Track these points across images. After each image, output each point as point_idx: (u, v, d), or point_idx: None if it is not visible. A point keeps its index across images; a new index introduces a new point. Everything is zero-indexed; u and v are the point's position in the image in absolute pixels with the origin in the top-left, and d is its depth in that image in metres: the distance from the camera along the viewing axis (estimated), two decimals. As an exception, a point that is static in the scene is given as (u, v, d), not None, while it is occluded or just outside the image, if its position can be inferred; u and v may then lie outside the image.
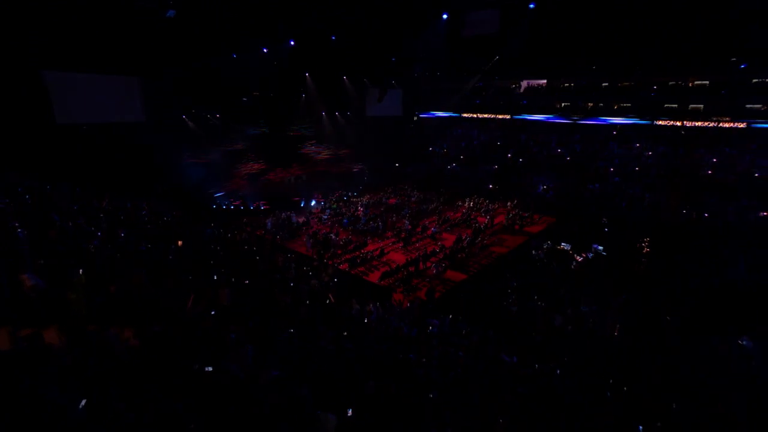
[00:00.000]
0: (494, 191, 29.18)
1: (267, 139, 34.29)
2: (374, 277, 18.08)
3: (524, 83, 35.55)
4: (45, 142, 24.30)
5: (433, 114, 39.36)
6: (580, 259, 19.36)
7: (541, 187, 28.15)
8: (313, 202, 29.42)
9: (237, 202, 29.60)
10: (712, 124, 27.04)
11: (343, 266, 19.03)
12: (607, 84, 31.27)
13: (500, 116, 34.98)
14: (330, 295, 14.35)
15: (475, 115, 37.03)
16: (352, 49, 30.29)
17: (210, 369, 6.16)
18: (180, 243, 17.29)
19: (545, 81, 34.38)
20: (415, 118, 38.69)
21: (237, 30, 27.29)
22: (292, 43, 28.89)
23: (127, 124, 28.34)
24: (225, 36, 27.93)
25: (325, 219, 25.82)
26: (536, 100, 34.53)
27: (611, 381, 10.21)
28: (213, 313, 9.31)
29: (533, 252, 20.64)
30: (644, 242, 20.76)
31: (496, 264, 19.82)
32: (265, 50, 29.41)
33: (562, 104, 33.67)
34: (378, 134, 35.51)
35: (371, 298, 14.63)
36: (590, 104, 32.32)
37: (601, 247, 19.76)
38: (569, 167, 28.83)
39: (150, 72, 28.60)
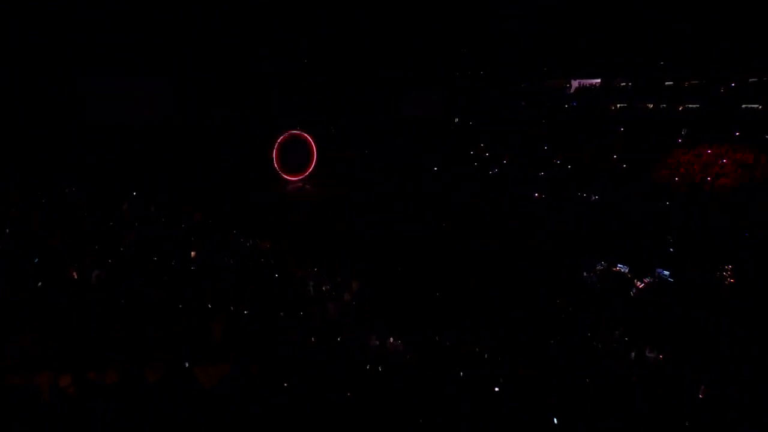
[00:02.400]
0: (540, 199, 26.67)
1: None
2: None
3: (575, 83, 32.60)
4: (75, 142, 23.95)
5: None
6: (641, 285, 16.70)
7: (594, 198, 25.35)
8: None
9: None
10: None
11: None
12: (671, 83, 27.95)
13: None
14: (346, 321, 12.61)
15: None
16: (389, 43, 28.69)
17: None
18: (194, 254, 16.12)
19: (599, 80, 31.33)
20: (456, 120, 36.48)
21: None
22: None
23: (156, 125, 27.77)
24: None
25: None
26: (587, 102, 31.55)
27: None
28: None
29: (584, 274, 18.12)
30: (726, 270, 17.50)
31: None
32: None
33: (618, 106, 30.56)
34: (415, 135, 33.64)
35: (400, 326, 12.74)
36: (650, 105, 29.11)
37: (667, 272, 16.97)
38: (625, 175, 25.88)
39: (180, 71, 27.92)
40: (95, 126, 23.80)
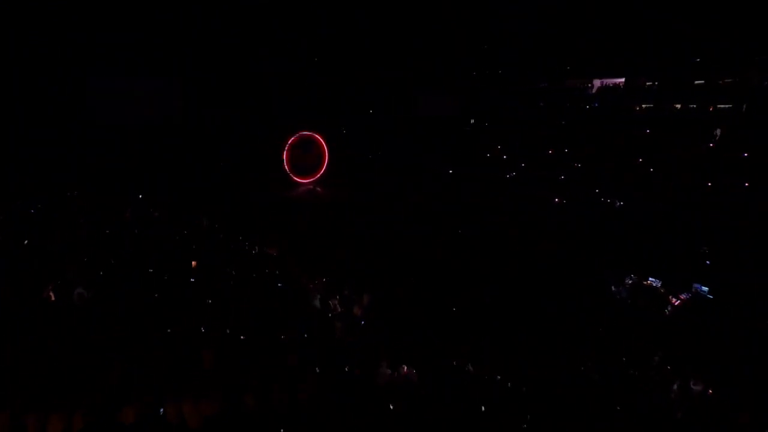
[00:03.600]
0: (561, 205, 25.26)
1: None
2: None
3: (597, 82, 31.07)
4: (76, 142, 23.29)
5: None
6: (676, 302, 15.29)
7: (618, 204, 23.86)
8: None
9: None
10: None
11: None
12: (702, 81, 26.28)
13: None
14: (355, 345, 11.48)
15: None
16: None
17: None
18: (194, 264, 15.19)
19: (623, 79, 29.75)
20: (472, 121, 35.18)
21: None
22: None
23: (163, 126, 27.04)
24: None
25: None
26: (610, 102, 30.01)
27: None
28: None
29: (612, 288, 16.77)
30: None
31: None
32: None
33: (643, 106, 28.96)
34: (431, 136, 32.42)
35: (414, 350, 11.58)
36: (678, 106, 27.49)
37: (705, 288, 15.51)
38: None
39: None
40: (97, 126, 23.10)
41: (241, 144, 29.99)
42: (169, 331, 9.16)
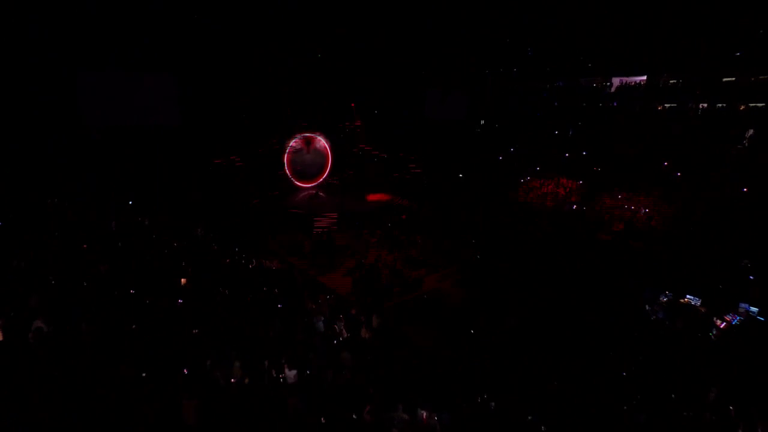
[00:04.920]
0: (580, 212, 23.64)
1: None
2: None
3: (616, 81, 29.44)
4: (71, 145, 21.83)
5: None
6: (722, 324, 13.65)
7: (644, 211, 22.20)
8: None
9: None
10: None
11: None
12: (733, 79, 24.57)
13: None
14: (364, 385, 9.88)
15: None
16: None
17: None
18: (184, 281, 13.67)
19: (645, 78, 28.11)
20: (482, 122, 33.51)
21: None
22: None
23: (160, 127, 25.56)
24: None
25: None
26: (630, 102, 28.35)
27: None
28: None
29: (647, 307, 15.12)
30: None
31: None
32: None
33: (666, 106, 27.30)
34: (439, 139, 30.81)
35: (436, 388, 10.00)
36: (703, 105, 25.83)
37: (755, 309, 13.87)
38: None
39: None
40: (84, 126, 21.60)
41: (240, 146, 28.48)
42: (144, 376, 7.62)
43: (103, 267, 11.29)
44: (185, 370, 8.35)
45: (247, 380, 8.73)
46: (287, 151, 29.71)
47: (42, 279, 9.47)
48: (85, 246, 12.54)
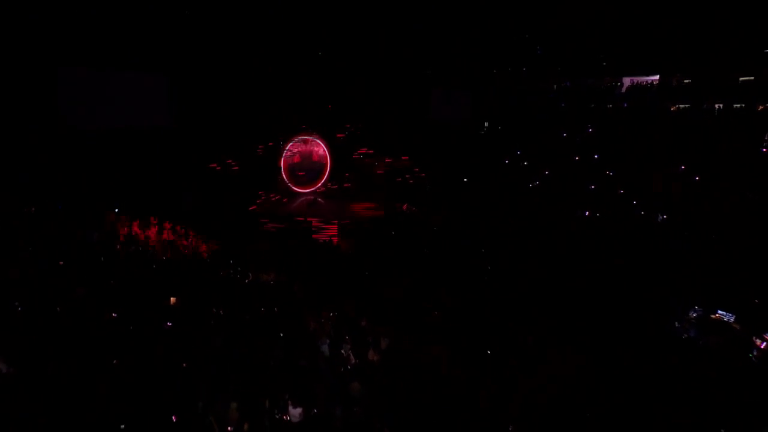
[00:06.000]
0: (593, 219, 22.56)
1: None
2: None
3: (627, 81, 28.43)
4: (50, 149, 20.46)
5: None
6: (762, 344, 12.57)
7: (662, 217, 21.17)
8: None
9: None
10: None
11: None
12: (751, 78, 23.58)
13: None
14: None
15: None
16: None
17: None
18: (173, 300, 12.45)
19: (657, 77, 27.10)
20: (486, 124, 32.41)
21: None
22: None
23: (150, 129, 24.32)
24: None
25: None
26: (640, 102, 27.37)
27: None
28: None
29: (676, 324, 14.03)
30: None
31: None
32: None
33: (678, 106, 26.33)
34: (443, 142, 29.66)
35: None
36: (718, 106, 24.85)
37: (799, 328, 12.81)
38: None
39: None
40: (66, 128, 20.31)
41: (234, 150, 27.17)
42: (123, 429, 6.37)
43: (80, 289, 10.01)
44: (173, 417, 7.11)
45: (246, 426, 7.53)
46: (284, 155, 28.49)
47: (5, 306, 8.19)
48: (61, 263, 11.23)
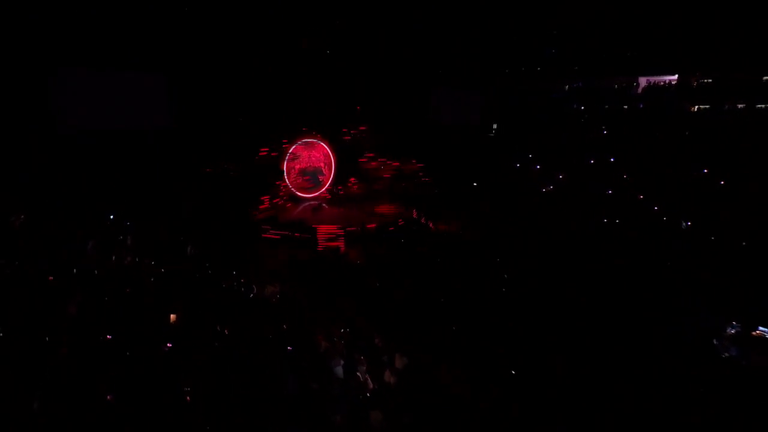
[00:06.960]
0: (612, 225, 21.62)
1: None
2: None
3: (643, 81, 27.55)
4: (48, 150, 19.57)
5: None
6: (813, 364, 11.60)
7: (686, 225, 20.24)
8: None
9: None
10: None
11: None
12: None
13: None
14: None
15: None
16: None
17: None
18: (173, 318, 11.46)
19: (675, 77, 26.22)
20: (495, 126, 31.51)
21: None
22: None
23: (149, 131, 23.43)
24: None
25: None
26: (658, 103, 26.50)
27: None
28: None
29: (714, 341, 13.06)
30: None
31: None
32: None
33: (697, 107, 25.49)
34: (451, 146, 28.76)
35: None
36: (740, 106, 24.01)
37: None
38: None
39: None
40: (60, 131, 19.42)
41: (236, 153, 26.23)
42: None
43: (71, 308, 9.03)
44: None
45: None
46: (287, 158, 27.53)
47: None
48: (51, 278, 10.23)
